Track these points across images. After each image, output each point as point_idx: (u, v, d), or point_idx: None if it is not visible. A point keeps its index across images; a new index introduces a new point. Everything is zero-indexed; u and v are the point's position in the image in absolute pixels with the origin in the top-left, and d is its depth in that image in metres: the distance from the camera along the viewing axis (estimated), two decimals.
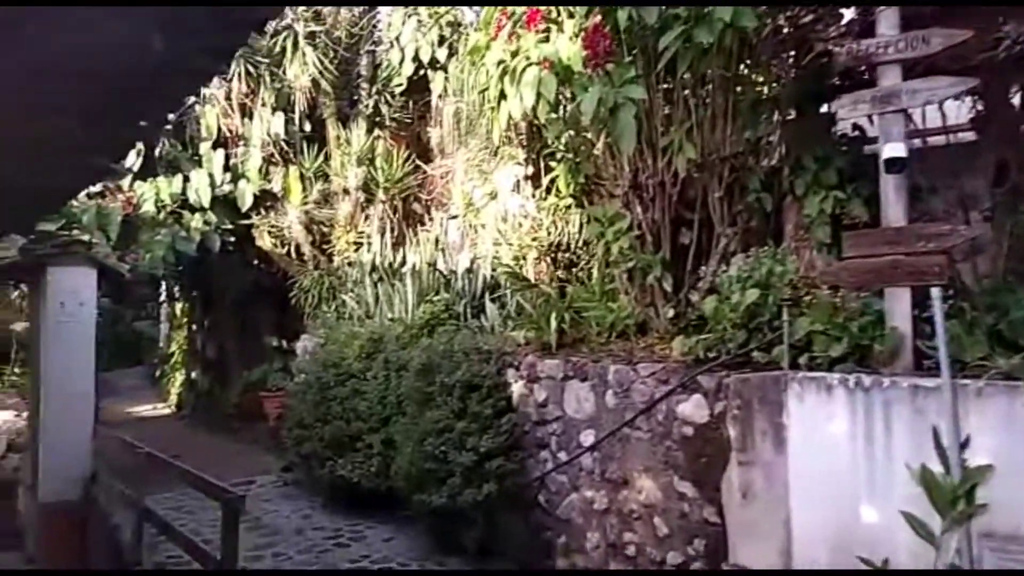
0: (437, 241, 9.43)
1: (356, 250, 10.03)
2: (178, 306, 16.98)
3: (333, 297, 9.88)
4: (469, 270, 8.40)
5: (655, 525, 4.92)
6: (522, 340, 6.47)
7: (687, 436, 4.72)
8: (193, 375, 14.75)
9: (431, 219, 9.94)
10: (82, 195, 9.05)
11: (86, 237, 8.52)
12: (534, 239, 7.57)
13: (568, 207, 7.51)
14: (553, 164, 7.04)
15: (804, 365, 4.14)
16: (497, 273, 7.90)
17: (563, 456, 5.70)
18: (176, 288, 15.00)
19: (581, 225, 7.86)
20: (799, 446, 4.04)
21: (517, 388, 6.18)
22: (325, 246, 10.40)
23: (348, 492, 7.56)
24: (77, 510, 7.60)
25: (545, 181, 7.36)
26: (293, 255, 10.61)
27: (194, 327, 15.13)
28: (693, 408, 4.69)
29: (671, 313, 5.83)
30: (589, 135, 6.35)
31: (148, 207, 9.59)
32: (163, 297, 18.24)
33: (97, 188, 9.23)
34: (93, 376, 8.17)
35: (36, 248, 8.14)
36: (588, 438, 5.47)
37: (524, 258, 7.94)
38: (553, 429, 5.81)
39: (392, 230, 10.04)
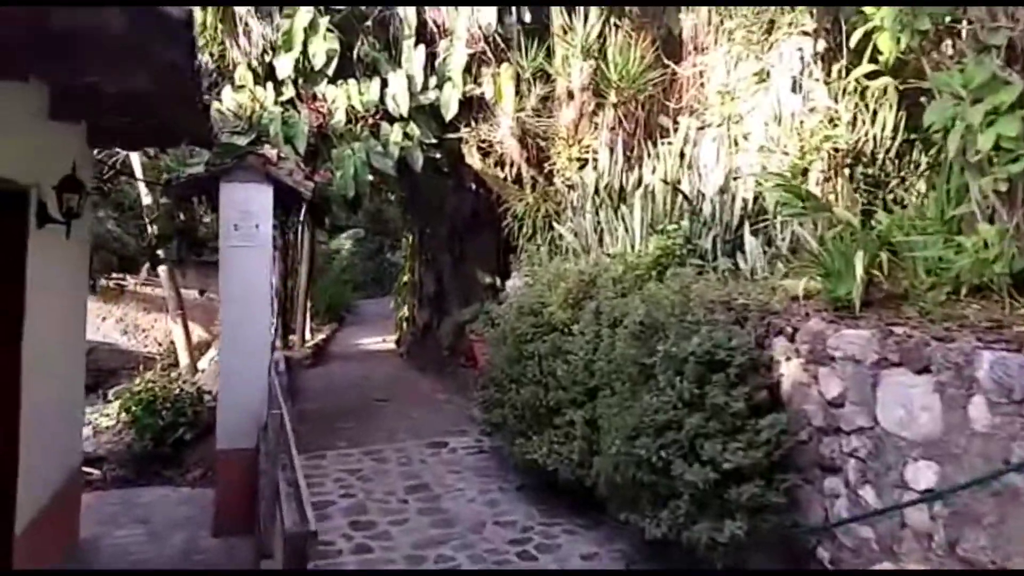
0: (683, 156, 7.12)
1: (580, 168, 8.02)
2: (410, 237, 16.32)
3: (550, 227, 8.06)
4: (723, 190, 6.04)
5: None
6: (800, 292, 4.11)
7: None
8: (413, 310, 13.92)
9: (676, 129, 7.62)
10: (270, 103, 7.98)
11: (272, 152, 7.40)
12: (826, 139, 4.99)
13: (884, 90, 4.84)
14: (865, 14, 4.40)
15: None
16: (763, 192, 5.47)
17: (870, 496, 3.32)
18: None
19: (896, 124, 5.22)
20: None
21: (790, 370, 3.85)
22: (544, 164, 8.51)
23: (546, 476, 5.81)
24: (244, 462, 6.62)
25: (848, 48, 4.73)
26: (509, 176, 8.86)
27: (414, 259, 14.24)
28: None
29: None
30: None
31: (339, 116, 8.30)
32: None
33: (287, 95, 8.10)
34: (270, 314, 7.06)
35: (217, 163, 7.19)
36: (925, 475, 3.04)
37: (805, 172, 5.42)
38: (853, 447, 3.43)
39: (627, 145, 7.88)
